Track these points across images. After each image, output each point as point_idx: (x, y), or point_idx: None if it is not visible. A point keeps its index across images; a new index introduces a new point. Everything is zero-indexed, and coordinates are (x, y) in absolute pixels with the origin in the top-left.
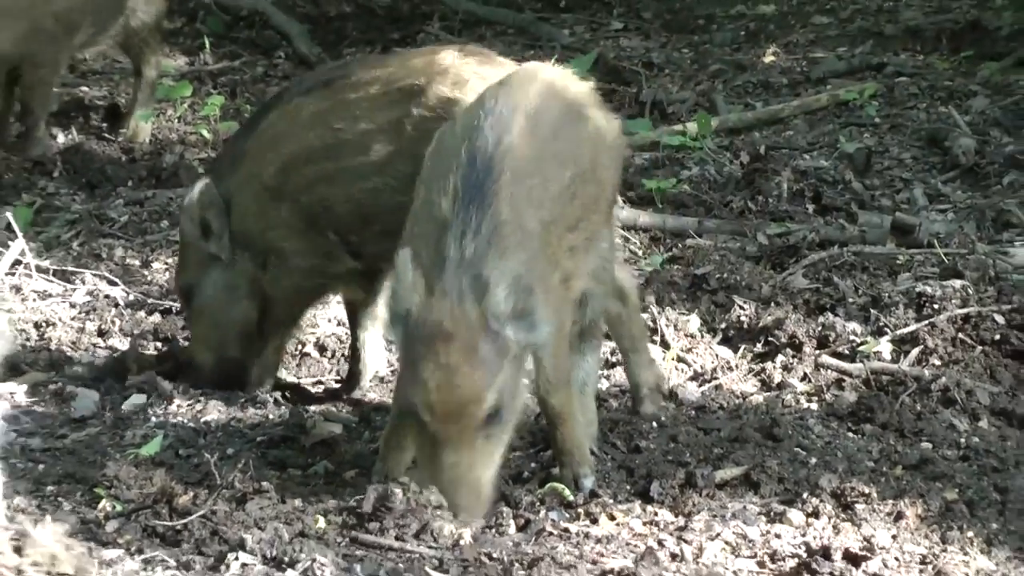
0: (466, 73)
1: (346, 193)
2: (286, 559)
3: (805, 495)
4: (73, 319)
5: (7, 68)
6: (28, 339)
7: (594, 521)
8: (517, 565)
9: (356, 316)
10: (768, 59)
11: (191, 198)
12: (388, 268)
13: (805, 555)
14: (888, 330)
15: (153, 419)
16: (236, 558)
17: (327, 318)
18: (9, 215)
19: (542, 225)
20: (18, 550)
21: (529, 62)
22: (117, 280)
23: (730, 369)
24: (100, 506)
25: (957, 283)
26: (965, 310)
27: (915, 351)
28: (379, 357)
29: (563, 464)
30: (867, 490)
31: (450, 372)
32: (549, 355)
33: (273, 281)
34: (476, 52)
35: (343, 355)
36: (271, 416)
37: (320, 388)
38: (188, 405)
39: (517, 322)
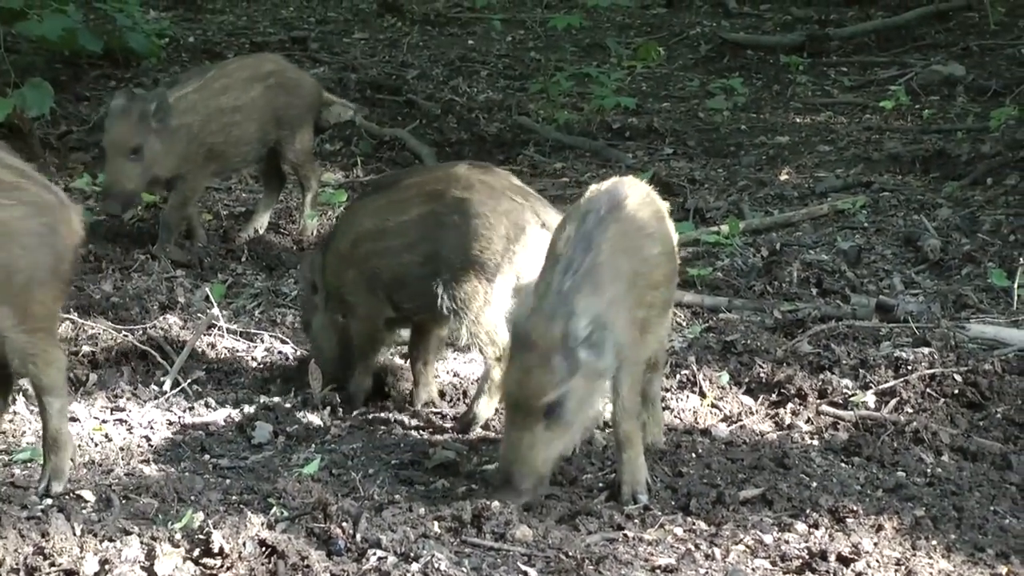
0: (473, 180)
1: (389, 264)
2: (411, 555)
3: (808, 511)
4: (254, 369)
5: (160, 187)
6: (220, 384)
7: (646, 528)
8: (587, 561)
9: (414, 352)
10: (783, 177)
11: (305, 264)
12: (418, 319)
13: (808, 557)
14: (872, 385)
15: (313, 446)
16: (374, 553)
17: (446, 370)
18: (208, 290)
19: (633, 272)
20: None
21: (629, 176)
22: (288, 340)
23: (751, 413)
24: (272, 512)
25: (926, 350)
26: (932, 371)
27: (893, 401)
28: (431, 386)
29: (624, 483)
30: (855, 507)
31: None
32: (626, 389)
33: (350, 326)
34: (482, 165)
35: (458, 399)
36: (402, 445)
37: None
38: (339, 435)
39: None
